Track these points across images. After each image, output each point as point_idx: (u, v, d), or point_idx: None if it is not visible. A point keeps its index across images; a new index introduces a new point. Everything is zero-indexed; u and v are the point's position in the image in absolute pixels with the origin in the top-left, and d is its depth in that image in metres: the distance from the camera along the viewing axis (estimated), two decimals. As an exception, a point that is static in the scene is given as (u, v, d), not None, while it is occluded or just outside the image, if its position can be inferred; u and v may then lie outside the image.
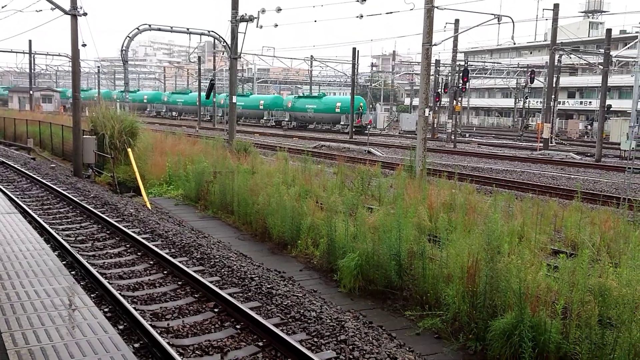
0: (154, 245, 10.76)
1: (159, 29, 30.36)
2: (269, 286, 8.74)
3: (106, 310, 7.50)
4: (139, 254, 10.47)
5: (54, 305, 6.57)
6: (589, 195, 17.32)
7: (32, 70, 64.46)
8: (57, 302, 6.68)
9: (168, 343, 6.44)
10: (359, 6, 64.46)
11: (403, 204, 10.13)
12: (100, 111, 22.74)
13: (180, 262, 9.71)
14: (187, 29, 29.61)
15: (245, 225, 13.86)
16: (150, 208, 15.81)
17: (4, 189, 15.80)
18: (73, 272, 8.82)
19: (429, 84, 19.17)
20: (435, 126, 50.95)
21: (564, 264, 7.28)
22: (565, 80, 65.70)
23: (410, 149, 21.15)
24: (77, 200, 14.74)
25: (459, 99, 43.49)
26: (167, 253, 10.32)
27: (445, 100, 54.46)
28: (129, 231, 11.57)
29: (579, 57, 46.33)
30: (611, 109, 46.55)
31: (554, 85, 40.13)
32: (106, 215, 13.24)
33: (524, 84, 57.16)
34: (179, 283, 8.86)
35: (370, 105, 68.22)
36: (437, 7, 18.85)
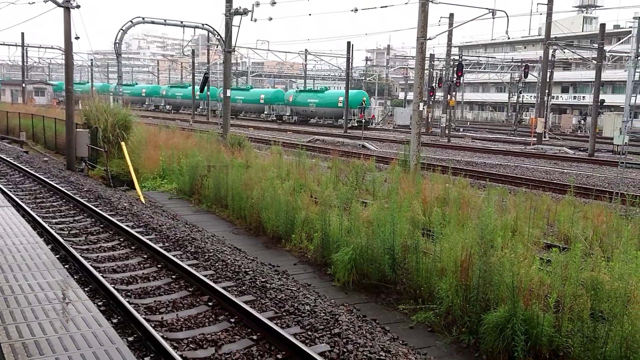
0: (147, 239, 10.75)
1: (153, 22, 30.22)
2: (263, 280, 8.76)
3: (100, 303, 7.50)
4: (132, 247, 10.46)
5: (48, 298, 6.57)
6: (581, 189, 17.40)
7: (25, 63, 64.03)
8: (50, 295, 6.67)
9: (162, 337, 6.45)
10: (353, 0, 64.44)
11: (397, 198, 10.16)
12: (93, 104, 22.63)
13: (174, 255, 9.71)
14: (181, 22, 29.50)
15: (239, 219, 13.86)
16: (144, 202, 15.78)
17: (-4, 183, 15.73)
18: (67, 266, 8.80)
19: (423, 78, 19.18)
20: (429, 121, 51.00)
21: (557, 257, 7.33)
22: (559, 75, 65.87)
23: (404, 144, 21.17)
24: (71, 194, 14.69)
25: (453, 93, 43.54)
26: (161, 247, 10.32)
27: (439, 94, 54.46)
28: (122, 225, 11.55)
29: (572, 52, 46.46)
30: (604, 103, 46.76)
31: (547, 79, 40.23)
32: (100, 209, 13.21)
33: (518, 79, 57.23)
34: (173, 277, 8.86)
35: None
36: (431, 1, 18.84)
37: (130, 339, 6.51)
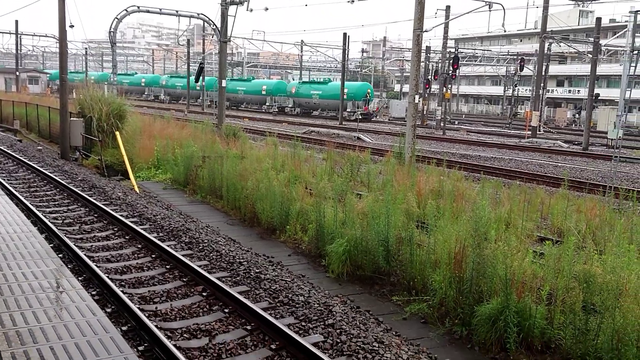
0: (142, 228, 10.74)
1: (148, 11, 30.02)
2: (257, 271, 8.77)
3: (94, 293, 7.49)
4: (127, 237, 10.45)
5: (42, 287, 6.56)
6: (575, 183, 17.47)
7: (19, 51, 63.60)
8: (44, 284, 6.67)
9: (156, 326, 6.46)
10: (350, -9, 64.14)
11: (392, 190, 10.17)
12: (87, 93, 22.52)
13: (168, 246, 9.71)
14: (176, 11, 29.34)
15: (234, 210, 13.85)
16: (138, 192, 15.75)
17: (-10, 171, 15.66)
18: (60, 255, 8.79)
19: (419, 71, 19.16)
20: (424, 113, 51.01)
21: (550, 250, 7.37)
22: (555, 69, 65.95)
23: (399, 136, 21.18)
24: (65, 183, 14.65)
25: (449, 86, 43.53)
26: (155, 237, 10.31)
27: (435, 87, 54.47)
28: (117, 214, 11.53)
29: (568, 46, 46.50)
30: (599, 97, 46.86)
31: (543, 73, 40.27)
32: (94, 199, 13.18)
33: (514, 72, 57.29)
34: (167, 267, 8.86)
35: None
36: (428, -7, 18.78)
37: (124, 328, 6.52)
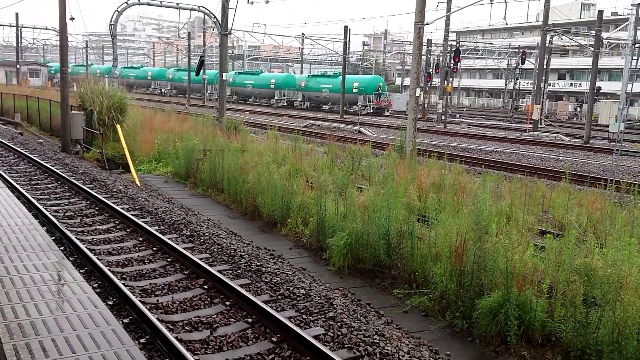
0: (143, 222, 10.75)
1: (148, 4, 29.94)
2: (258, 264, 8.79)
3: (95, 285, 7.51)
4: (128, 230, 10.46)
5: (44, 280, 6.58)
6: (576, 176, 17.45)
7: (19, 44, 63.50)
8: (46, 277, 6.68)
9: (157, 319, 6.48)
10: (351, -17, 63.96)
11: (393, 183, 10.16)
12: (88, 86, 22.51)
13: (169, 239, 9.72)
14: (177, 4, 29.25)
15: (235, 203, 13.86)
16: (139, 185, 15.76)
17: (-9, 164, 15.67)
18: (62, 248, 8.81)
19: (420, 64, 19.11)
20: (426, 106, 50.92)
21: (551, 244, 7.37)
22: (556, 62, 65.78)
23: (400, 129, 21.17)
24: (66, 176, 14.66)
25: (450, 79, 43.44)
26: (156, 230, 10.32)
27: (436, 80, 54.35)
28: (118, 207, 11.54)
29: (570, 39, 46.32)
30: (601, 91, 46.77)
31: (544, 66, 40.16)
32: (95, 192, 13.19)
33: (515, 65, 57.13)
34: (169, 260, 8.87)
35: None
36: (430, -14, 18.71)
37: (126, 320, 6.53)
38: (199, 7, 28.93)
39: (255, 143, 18.25)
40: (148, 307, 6.88)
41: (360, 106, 51.22)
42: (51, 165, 16.30)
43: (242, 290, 7.25)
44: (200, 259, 8.66)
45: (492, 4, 22.70)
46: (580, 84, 68.04)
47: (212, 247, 9.65)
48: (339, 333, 6.42)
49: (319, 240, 10.35)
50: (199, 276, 8.15)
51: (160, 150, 19.29)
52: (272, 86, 60.86)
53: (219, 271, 8.21)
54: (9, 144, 20.29)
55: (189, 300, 7.39)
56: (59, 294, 6.23)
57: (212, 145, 16.78)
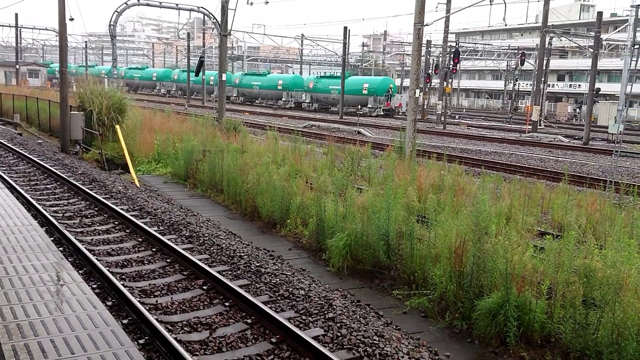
0: (142, 222, 10.74)
1: (148, 4, 29.93)
2: (257, 265, 8.78)
3: (94, 286, 7.51)
4: (127, 231, 10.45)
5: (42, 280, 6.57)
6: (576, 177, 17.46)
7: (19, 44, 63.47)
8: (45, 277, 6.67)
9: (157, 319, 6.47)
10: (350, -16, 63.97)
11: (392, 184, 10.17)
12: (87, 87, 22.49)
13: (169, 239, 9.71)
14: (176, 4, 29.25)
15: (234, 204, 13.85)
16: (138, 185, 15.75)
17: (-10, 165, 15.66)
18: (61, 248, 8.80)
19: (420, 65, 19.11)
20: (425, 107, 50.91)
21: (550, 245, 7.37)
22: (555, 63, 65.83)
23: (400, 130, 21.16)
24: (65, 177, 14.65)
25: (450, 80, 43.45)
26: (155, 230, 10.32)
27: (435, 81, 54.33)
28: (117, 208, 11.53)
29: (569, 40, 46.39)
30: (600, 92, 46.78)
31: (544, 67, 40.19)
32: (94, 192, 13.18)
33: (514, 66, 57.16)
34: (168, 260, 8.87)
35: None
36: (429, -13, 18.72)
37: (125, 321, 6.53)
38: (198, 7, 28.92)
39: (254, 144, 18.24)
40: (147, 308, 6.88)
41: (370, 108, 50.39)
42: (50, 166, 16.28)
43: (242, 291, 7.24)
44: (200, 260, 8.65)
45: (491, 5, 22.71)
46: (579, 85, 68.10)
47: (212, 248, 9.64)
48: (339, 334, 6.42)
49: (319, 241, 10.34)
50: (198, 277, 8.14)
51: (160, 150, 19.28)
52: (279, 87, 60.08)
53: (219, 272, 8.20)
54: (8, 145, 20.28)
55: (188, 301, 7.38)
56: (58, 294, 6.22)
57: (211, 145, 16.77)
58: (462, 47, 58.76)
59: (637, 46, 25.51)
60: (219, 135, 18.53)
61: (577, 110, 60.68)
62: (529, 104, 44.99)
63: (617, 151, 19.92)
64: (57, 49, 27.95)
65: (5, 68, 69.38)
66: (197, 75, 35.67)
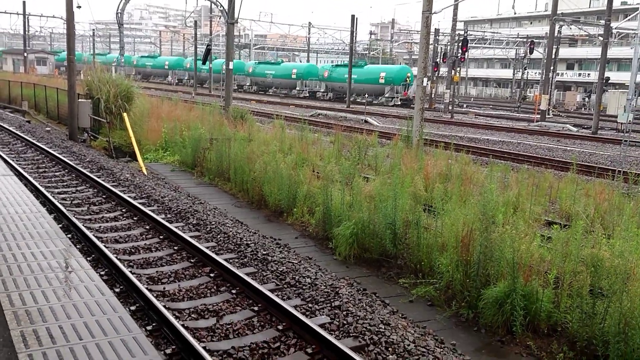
0: (150, 210, 10.78)
1: (155, -8, 29.83)
2: (264, 253, 8.80)
3: (102, 273, 7.55)
4: (134, 218, 10.49)
5: (51, 267, 6.61)
6: (584, 167, 17.36)
7: (27, 32, 63.53)
8: (53, 264, 6.71)
9: (164, 306, 6.51)
10: (358, -29, 63.54)
11: (399, 173, 10.14)
12: (95, 75, 22.52)
13: (176, 227, 9.75)
14: (184, -8, 29.11)
15: (241, 192, 13.88)
16: (146, 173, 15.79)
17: (-1, 152, 15.73)
18: (69, 236, 8.84)
19: (427, 53, 19.00)
20: (433, 96, 50.65)
21: (558, 234, 7.35)
22: (565, 52, 65.31)
23: (407, 119, 21.07)
24: (73, 164, 14.70)
25: (458, 69, 43.19)
26: (163, 218, 10.35)
27: (443, 70, 54.02)
28: (125, 196, 11.57)
29: (579, 28, 45.94)
30: (609, 81, 46.40)
31: (553, 56, 39.86)
32: (102, 180, 13.23)
33: (523, 55, 56.70)
34: (175, 248, 8.90)
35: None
36: (438, -25, 18.55)
37: (133, 308, 6.57)
38: (205, -5, 28.83)
39: (261, 132, 18.24)
40: (155, 295, 6.91)
41: (387, 97, 49.05)
42: (58, 154, 16.35)
43: (248, 279, 7.27)
44: (207, 248, 8.68)
45: (500, -8, 22.50)
46: (588, 74, 67.54)
47: (219, 236, 9.67)
48: (345, 322, 6.44)
49: (325, 230, 10.35)
50: (205, 264, 8.17)
51: (167, 139, 19.31)
52: (293, 76, 59.05)
53: (225, 260, 8.23)
54: (17, 132, 20.35)
55: (196, 288, 7.42)
56: (66, 281, 6.25)
57: (218, 134, 16.78)
58: (471, 35, 58.27)
59: (647, 35, 25.22)
60: (226, 124, 18.53)
61: (586, 99, 60.22)
62: (537, 93, 44.69)
63: (626, 140, 19.77)
64: (64, 36, 27.94)
65: (13, 56, 69.59)
66: (204, 63, 35.71)
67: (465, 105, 53.82)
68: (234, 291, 7.27)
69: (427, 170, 13.01)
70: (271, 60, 70.04)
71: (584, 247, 7.09)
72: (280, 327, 6.30)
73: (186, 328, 6.12)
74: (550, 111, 43.20)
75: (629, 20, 46.70)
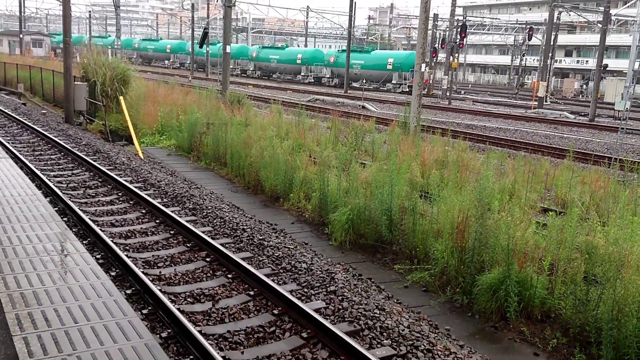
0: (146, 194, 10.77)
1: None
2: (260, 238, 8.82)
3: (98, 256, 7.55)
4: (131, 202, 10.48)
5: (46, 250, 6.61)
6: (580, 154, 17.39)
7: (22, 14, 62.96)
8: (49, 247, 6.72)
9: (160, 290, 6.52)
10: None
11: (396, 160, 10.15)
12: (91, 57, 22.36)
13: (172, 211, 9.74)
14: (181, -26, 28.86)
15: (238, 177, 13.87)
16: (142, 157, 15.76)
17: (-6, 135, 15.66)
18: (65, 219, 8.84)
19: (426, 39, 18.91)
20: (431, 82, 50.47)
21: (553, 221, 7.37)
22: (563, 38, 65.06)
23: (404, 105, 21.03)
24: (69, 147, 14.66)
25: (456, 55, 43.03)
26: (159, 202, 10.34)
27: (442, 56, 53.81)
28: (121, 179, 11.55)
29: (578, 15, 45.74)
30: (608, 68, 46.31)
31: (551, 43, 39.73)
32: (98, 163, 13.20)
33: (522, 41, 56.53)
34: (171, 232, 8.90)
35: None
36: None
37: (128, 291, 6.58)
38: (203, -22, 28.56)
39: (258, 117, 18.18)
40: (150, 279, 6.93)
41: (394, 84, 48.06)
42: (54, 136, 16.29)
43: (244, 264, 7.28)
44: (203, 232, 8.69)
45: (500, -22, 22.37)
46: (587, 61, 67.44)
47: (215, 221, 9.67)
48: (340, 307, 6.47)
49: (321, 215, 10.37)
50: (201, 249, 8.18)
51: (164, 122, 19.24)
52: (298, 61, 58.18)
53: (222, 244, 8.24)
54: (13, 114, 20.26)
55: (192, 272, 7.44)
56: (61, 264, 6.26)
57: (215, 118, 16.72)
58: (470, 21, 58.07)
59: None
60: (222, 108, 18.45)
61: (584, 86, 60.18)
62: (535, 80, 44.60)
63: (622, 128, 19.79)
64: (61, 18, 27.72)
65: (8, 37, 68.93)
66: (200, 47, 35.46)
67: (463, 92, 53.74)
68: (229, 276, 7.29)
69: (423, 156, 13.00)
70: (276, 45, 69.03)
71: (578, 234, 7.12)
72: (275, 312, 6.33)
73: (182, 312, 6.14)
74: (548, 98, 43.17)
75: (628, 7, 46.54)
